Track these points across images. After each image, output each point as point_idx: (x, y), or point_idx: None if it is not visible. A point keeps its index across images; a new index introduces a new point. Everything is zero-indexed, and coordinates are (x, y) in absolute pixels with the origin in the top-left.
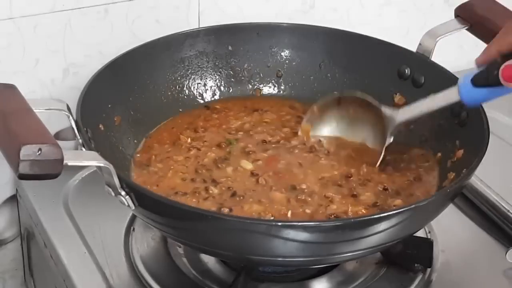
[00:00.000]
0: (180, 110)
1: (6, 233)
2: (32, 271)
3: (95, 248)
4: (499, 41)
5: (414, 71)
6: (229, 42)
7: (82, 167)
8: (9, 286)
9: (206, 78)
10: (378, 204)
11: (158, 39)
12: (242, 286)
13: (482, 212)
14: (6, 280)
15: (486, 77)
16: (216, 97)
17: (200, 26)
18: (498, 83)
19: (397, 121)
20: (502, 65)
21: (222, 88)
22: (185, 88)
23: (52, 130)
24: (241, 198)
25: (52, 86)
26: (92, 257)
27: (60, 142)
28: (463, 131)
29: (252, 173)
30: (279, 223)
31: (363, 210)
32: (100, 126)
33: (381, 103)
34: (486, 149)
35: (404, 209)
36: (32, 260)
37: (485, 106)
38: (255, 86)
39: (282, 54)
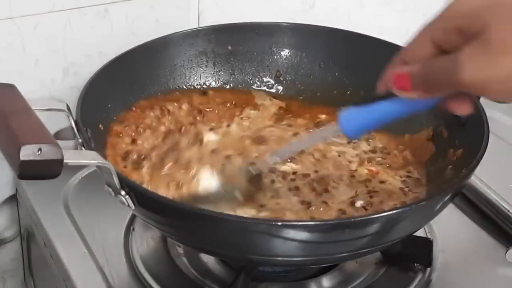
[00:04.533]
0: None
1: (6, 233)
2: (32, 270)
3: (95, 248)
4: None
5: None
6: (228, 42)
7: (82, 167)
8: (9, 285)
9: (206, 78)
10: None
11: (158, 39)
12: (242, 285)
13: (482, 211)
14: (6, 279)
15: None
16: None
17: (200, 25)
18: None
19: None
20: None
21: (221, 88)
22: (184, 88)
23: (52, 130)
24: None
25: (52, 86)
26: (92, 257)
27: (59, 142)
28: (463, 131)
29: None
30: (279, 223)
31: None
32: (100, 126)
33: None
34: (485, 149)
35: (404, 208)
36: (32, 260)
37: (485, 106)
38: (255, 86)
39: (282, 53)
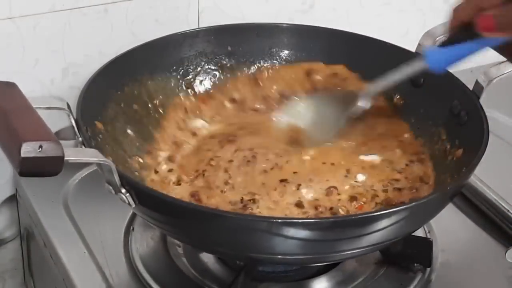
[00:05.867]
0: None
1: (5, 233)
2: (32, 271)
3: (95, 248)
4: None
5: None
6: (228, 43)
7: (82, 166)
8: (9, 285)
9: (205, 78)
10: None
11: (158, 39)
12: (241, 285)
13: (482, 211)
14: (6, 279)
15: (453, 36)
16: None
17: (200, 26)
18: (465, 38)
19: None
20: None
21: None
22: (185, 88)
23: (52, 130)
24: None
25: (51, 86)
26: (91, 257)
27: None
28: (462, 130)
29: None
30: (279, 220)
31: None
32: (100, 125)
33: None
34: (485, 149)
35: (403, 207)
36: (31, 260)
37: (485, 106)
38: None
39: (281, 54)
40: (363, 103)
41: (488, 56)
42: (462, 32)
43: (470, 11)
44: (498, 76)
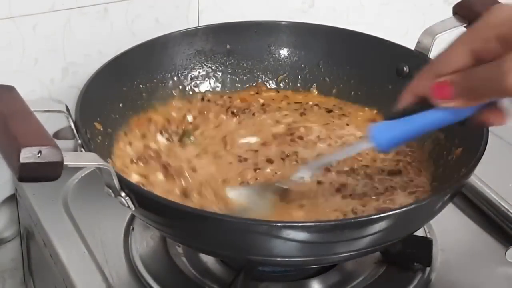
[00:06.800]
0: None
1: (5, 233)
2: (32, 270)
3: (95, 247)
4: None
5: (413, 69)
6: (227, 41)
7: (82, 167)
8: (9, 285)
9: (205, 77)
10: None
11: (157, 38)
12: (241, 285)
13: (482, 211)
14: (6, 279)
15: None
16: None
17: (200, 25)
18: (413, 111)
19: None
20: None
21: (220, 86)
22: (184, 87)
23: (52, 129)
24: None
25: (51, 86)
26: (91, 256)
27: (59, 142)
28: (462, 130)
29: None
30: (279, 224)
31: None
32: (100, 126)
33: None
34: (485, 148)
35: (404, 208)
36: (31, 260)
37: None
38: (253, 84)
39: (281, 52)
40: (304, 174)
41: None
42: (415, 107)
43: (429, 82)
44: None
